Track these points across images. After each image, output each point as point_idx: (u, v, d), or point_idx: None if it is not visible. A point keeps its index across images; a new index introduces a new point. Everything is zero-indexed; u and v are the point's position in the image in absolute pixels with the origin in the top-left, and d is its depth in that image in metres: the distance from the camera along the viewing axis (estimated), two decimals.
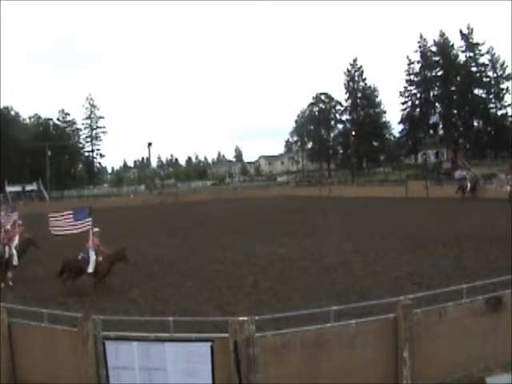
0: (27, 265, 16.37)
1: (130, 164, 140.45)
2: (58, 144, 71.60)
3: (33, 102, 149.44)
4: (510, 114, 67.20)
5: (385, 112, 77.81)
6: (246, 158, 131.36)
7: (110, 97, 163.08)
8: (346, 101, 78.36)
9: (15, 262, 13.66)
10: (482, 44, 67.72)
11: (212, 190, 73.46)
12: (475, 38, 67.96)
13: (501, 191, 29.49)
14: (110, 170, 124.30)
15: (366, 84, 77.23)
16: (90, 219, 12.11)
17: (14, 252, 13.69)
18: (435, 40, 70.01)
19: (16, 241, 16.06)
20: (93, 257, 11.95)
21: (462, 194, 33.73)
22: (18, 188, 62.98)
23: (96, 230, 12.36)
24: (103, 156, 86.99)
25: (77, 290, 11.85)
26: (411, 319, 5.96)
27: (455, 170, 39.48)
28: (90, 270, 11.90)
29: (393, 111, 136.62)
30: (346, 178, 66.98)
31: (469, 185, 33.95)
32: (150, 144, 66.24)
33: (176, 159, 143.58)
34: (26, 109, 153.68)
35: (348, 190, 49.28)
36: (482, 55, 68.12)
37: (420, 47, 71.22)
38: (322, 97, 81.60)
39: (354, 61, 77.18)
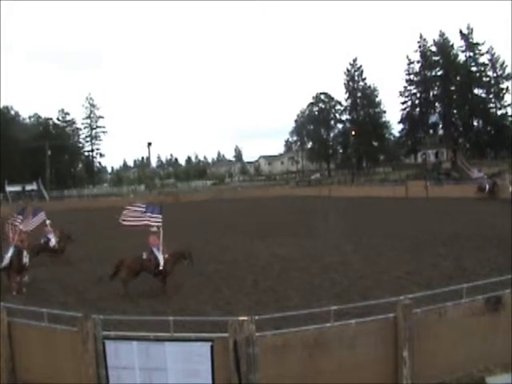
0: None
1: (130, 164, 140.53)
2: (58, 144, 71.58)
3: (33, 102, 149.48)
4: (509, 113, 67.31)
5: (385, 112, 77.88)
6: (246, 157, 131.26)
7: (110, 97, 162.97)
8: (346, 101, 78.40)
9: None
10: (482, 44, 67.79)
11: (212, 189, 73.45)
12: (475, 38, 68.07)
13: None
14: (109, 170, 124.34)
15: (365, 84, 77.24)
16: (161, 216, 12.13)
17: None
18: (435, 40, 70.10)
19: (53, 239, 16.54)
20: (160, 255, 11.78)
21: (482, 195, 32.68)
22: (17, 188, 63.01)
23: (154, 229, 12.20)
24: (103, 156, 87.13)
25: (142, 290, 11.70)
26: (411, 319, 5.96)
27: (471, 169, 39.23)
28: (161, 267, 11.67)
29: (393, 111, 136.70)
30: (346, 178, 66.98)
31: (487, 186, 33.14)
32: (149, 144, 66.26)
33: (176, 159, 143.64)
34: (26, 108, 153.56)
35: (348, 190, 49.27)
36: (482, 55, 68.17)
37: (420, 47, 71.25)
38: (322, 96, 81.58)
39: (354, 61, 77.21)
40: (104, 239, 22.19)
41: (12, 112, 77.45)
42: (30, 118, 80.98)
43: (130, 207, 12.35)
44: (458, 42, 69.15)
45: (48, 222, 16.92)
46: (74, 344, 6.09)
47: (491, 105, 68.35)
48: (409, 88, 72.48)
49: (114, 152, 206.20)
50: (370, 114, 76.64)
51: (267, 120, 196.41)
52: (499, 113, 67.99)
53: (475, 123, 69.74)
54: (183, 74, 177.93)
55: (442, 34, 69.61)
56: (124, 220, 12.16)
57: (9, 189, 61.72)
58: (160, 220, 12.12)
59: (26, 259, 12.95)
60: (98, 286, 12.64)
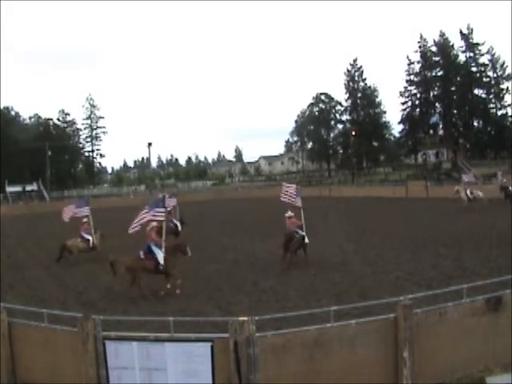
0: (27, 266, 16.40)
1: (130, 164, 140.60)
2: (58, 144, 71.57)
3: (33, 102, 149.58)
4: (510, 113, 67.31)
5: (385, 112, 77.92)
6: (246, 158, 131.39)
7: (110, 97, 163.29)
8: (346, 101, 78.42)
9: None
10: (482, 44, 67.79)
11: (212, 190, 73.45)
12: (475, 38, 68.06)
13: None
14: (110, 170, 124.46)
15: (366, 84, 77.26)
16: (163, 209, 12.01)
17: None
18: (435, 40, 70.07)
19: (90, 237, 17.20)
20: (159, 252, 11.50)
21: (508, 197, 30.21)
22: (18, 188, 63.07)
23: (154, 224, 12.01)
24: (103, 156, 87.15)
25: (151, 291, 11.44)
26: (411, 319, 5.96)
27: (467, 172, 38.20)
28: (162, 263, 11.36)
29: (393, 111, 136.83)
30: (346, 178, 66.98)
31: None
32: (149, 144, 66.25)
33: (176, 159, 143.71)
34: (26, 109, 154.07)
35: (348, 190, 49.29)
36: (482, 55, 68.16)
37: (420, 47, 71.23)
38: (322, 97, 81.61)
39: (354, 61, 77.24)
40: (104, 238, 22.15)
41: (12, 112, 77.55)
42: (30, 118, 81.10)
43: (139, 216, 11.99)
44: (458, 43, 69.27)
45: (86, 219, 17.37)
46: (74, 344, 6.08)
47: (491, 105, 68.35)
48: (409, 88, 72.47)
49: (114, 152, 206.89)
50: (371, 115, 76.65)
51: (267, 120, 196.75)
52: (499, 113, 68.00)
53: (475, 123, 69.76)
54: (183, 73, 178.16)
55: (442, 35, 69.63)
56: (133, 228, 11.90)
57: (9, 189, 61.76)
58: (163, 213, 11.98)
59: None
60: (98, 286, 12.64)
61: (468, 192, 27.76)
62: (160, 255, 11.54)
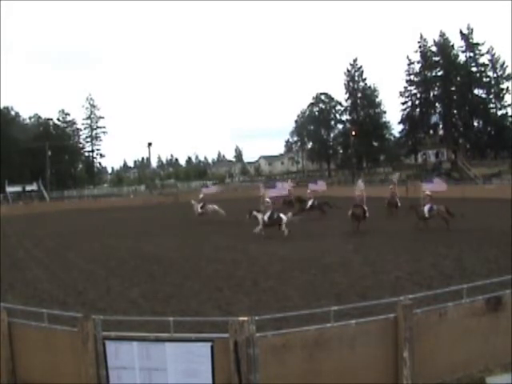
0: (27, 266, 16.41)
1: (130, 164, 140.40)
2: (58, 144, 71.57)
3: (33, 102, 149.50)
4: (510, 113, 67.32)
5: (385, 112, 77.88)
6: (246, 158, 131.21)
7: (110, 97, 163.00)
8: (346, 101, 78.45)
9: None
10: (482, 44, 67.83)
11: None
12: (475, 38, 68.12)
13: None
14: (110, 170, 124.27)
15: (366, 84, 77.29)
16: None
17: None
18: (435, 40, 70.11)
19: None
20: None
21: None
22: (18, 188, 63.06)
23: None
24: (103, 156, 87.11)
25: None
26: (411, 319, 5.96)
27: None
28: None
29: (393, 111, 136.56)
30: (346, 178, 66.97)
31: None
32: (149, 144, 66.30)
33: (176, 159, 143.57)
34: (26, 109, 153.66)
35: (348, 190, 49.19)
36: (482, 55, 68.19)
37: (420, 47, 71.27)
38: (322, 97, 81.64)
39: (354, 61, 77.26)
40: (104, 239, 22.21)
41: (12, 113, 77.52)
42: (30, 118, 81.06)
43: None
44: (458, 43, 69.31)
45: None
46: (74, 344, 6.08)
47: (491, 105, 68.38)
48: (409, 88, 72.51)
49: (114, 152, 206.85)
50: (371, 115, 76.69)
51: (267, 120, 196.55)
52: (499, 113, 68.03)
53: (475, 123, 69.81)
54: (183, 74, 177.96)
55: (442, 35, 69.67)
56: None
57: (9, 189, 61.75)
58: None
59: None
60: (98, 286, 12.65)
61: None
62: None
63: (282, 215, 20.50)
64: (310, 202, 28.42)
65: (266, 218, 20.61)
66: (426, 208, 20.63)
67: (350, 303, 7.94)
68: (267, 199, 21.52)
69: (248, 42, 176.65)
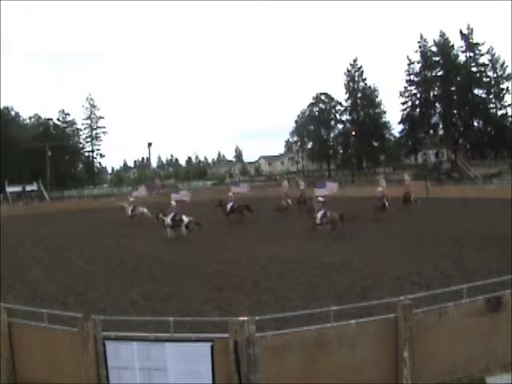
0: (27, 266, 16.41)
1: (130, 164, 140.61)
2: (58, 144, 71.61)
3: (33, 102, 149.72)
4: (510, 113, 67.39)
5: (385, 112, 77.99)
6: (246, 158, 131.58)
7: (110, 97, 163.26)
8: (346, 101, 78.51)
9: None
10: (482, 44, 67.90)
11: (212, 190, 73.34)
12: (475, 38, 68.20)
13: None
14: (110, 170, 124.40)
15: (366, 84, 77.36)
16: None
17: None
18: (435, 40, 70.21)
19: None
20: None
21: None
22: (18, 188, 63.06)
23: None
24: (103, 156, 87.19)
25: None
26: (411, 319, 5.95)
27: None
28: None
29: (393, 111, 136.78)
30: (346, 178, 66.95)
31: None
32: (150, 144, 66.18)
33: (176, 159, 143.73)
34: (26, 109, 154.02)
35: (348, 190, 49.18)
36: (482, 55, 68.27)
37: (420, 47, 71.32)
38: (322, 97, 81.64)
39: (354, 61, 77.36)
40: (104, 239, 22.23)
41: (12, 113, 77.66)
42: (30, 118, 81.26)
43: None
44: (458, 43, 69.39)
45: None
46: (74, 344, 6.08)
47: (491, 105, 68.46)
48: (409, 88, 72.58)
49: (114, 152, 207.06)
50: (371, 115, 76.73)
51: (267, 120, 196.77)
52: (499, 113, 68.12)
53: (475, 123, 69.86)
54: (183, 74, 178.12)
55: (442, 35, 69.75)
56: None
57: (9, 189, 61.75)
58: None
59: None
60: (98, 286, 12.65)
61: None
62: None
63: (183, 217, 21.08)
64: (229, 205, 27.06)
65: (169, 220, 21.33)
66: (320, 214, 19.81)
67: (350, 303, 7.94)
68: (320, 198, 20.14)
69: (248, 42, 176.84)
